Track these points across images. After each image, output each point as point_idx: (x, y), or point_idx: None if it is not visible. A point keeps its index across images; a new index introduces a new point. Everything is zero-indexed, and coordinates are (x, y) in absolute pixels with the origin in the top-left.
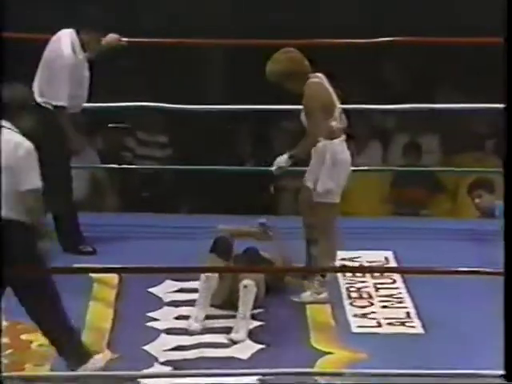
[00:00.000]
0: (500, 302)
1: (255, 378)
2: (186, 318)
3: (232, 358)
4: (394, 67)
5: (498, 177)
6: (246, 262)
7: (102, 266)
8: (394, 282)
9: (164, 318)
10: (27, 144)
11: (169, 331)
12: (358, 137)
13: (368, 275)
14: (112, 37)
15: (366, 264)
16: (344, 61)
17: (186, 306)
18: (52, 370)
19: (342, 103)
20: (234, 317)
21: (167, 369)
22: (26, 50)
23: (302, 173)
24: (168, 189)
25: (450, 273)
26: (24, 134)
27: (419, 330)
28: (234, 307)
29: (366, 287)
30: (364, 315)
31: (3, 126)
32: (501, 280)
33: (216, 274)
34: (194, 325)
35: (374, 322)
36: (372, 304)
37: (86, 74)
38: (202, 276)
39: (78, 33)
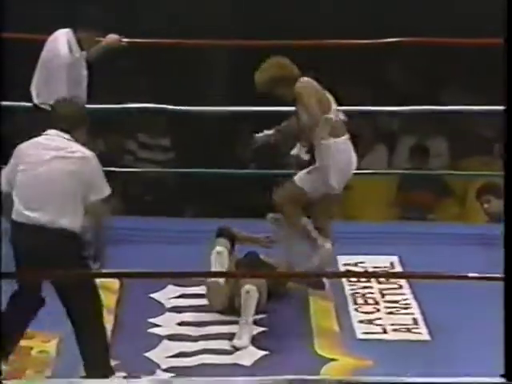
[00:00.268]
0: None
1: None
2: (189, 324)
3: (235, 364)
4: (400, 68)
5: None
6: (247, 267)
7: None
8: (400, 287)
9: (166, 324)
10: (92, 154)
11: (171, 337)
12: (363, 139)
13: (373, 280)
14: (112, 37)
15: (372, 269)
16: (347, 62)
17: (188, 311)
18: (52, 376)
19: (340, 105)
20: (236, 323)
21: (169, 376)
22: (26, 50)
23: None
24: (171, 192)
25: (457, 278)
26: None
27: (426, 336)
28: (236, 312)
29: (372, 293)
30: (369, 321)
31: (67, 139)
32: None
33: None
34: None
35: (379, 329)
36: (378, 310)
37: (84, 73)
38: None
39: (74, 32)
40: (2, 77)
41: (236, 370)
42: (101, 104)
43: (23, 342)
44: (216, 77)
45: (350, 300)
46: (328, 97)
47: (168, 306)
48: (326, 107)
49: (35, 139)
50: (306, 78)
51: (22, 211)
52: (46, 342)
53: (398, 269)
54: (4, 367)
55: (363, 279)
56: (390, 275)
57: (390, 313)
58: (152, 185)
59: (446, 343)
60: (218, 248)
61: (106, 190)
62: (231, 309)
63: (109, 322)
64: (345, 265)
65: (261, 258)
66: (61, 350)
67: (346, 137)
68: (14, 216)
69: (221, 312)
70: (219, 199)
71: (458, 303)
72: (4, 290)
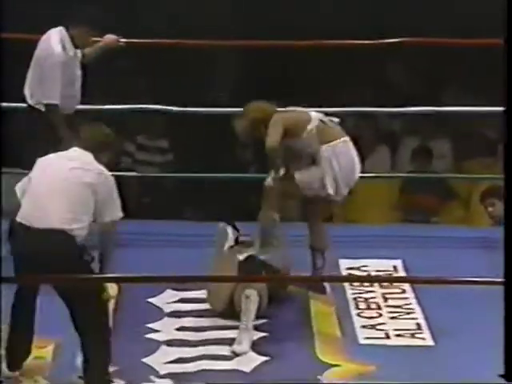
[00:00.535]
0: None
1: None
2: (187, 329)
3: (235, 370)
4: (402, 69)
5: None
6: (247, 271)
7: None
8: (404, 291)
9: (164, 330)
10: (111, 176)
11: (170, 343)
12: (364, 141)
13: (376, 285)
14: (110, 37)
15: (374, 273)
16: (348, 63)
17: (187, 316)
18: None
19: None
20: (236, 327)
21: (168, 382)
22: (26, 50)
23: None
24: (169, 195)
25: (461, 282)
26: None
27: (429, 342)
28: (235, 316)
29: (374, 297)
30: (372, 326)
31: (89, 157)
32: None
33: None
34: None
35: (382, 334)
36: (380, 315)
37: (78, 72)
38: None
39: (67, 29)
40: (2, 77)
41: (236, 375)
42: (98, 105)
43: None
44: (215, 78)
45: (352, 304)
46: (302, 116)
47: (167, 310)
48: (298, 129)
49: (58, 153)
50: (276, 115)
51: (30, 214)
52: (42, 347)
53: (401, 273)
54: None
55: (366, 283)
56: (392, 279)
57: (393, 317)
58: (150, 187)
59: (451, 348)
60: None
61: (119, 213)
62: (232, 312)
63: None
64: (347, 269)
65: (262, 260)
66: (57, 356)
67: (342, 139)
68: (18, 218)
69: (221, 315)
70: (218, 202)
71: (462, 307)
72: (4, 293)
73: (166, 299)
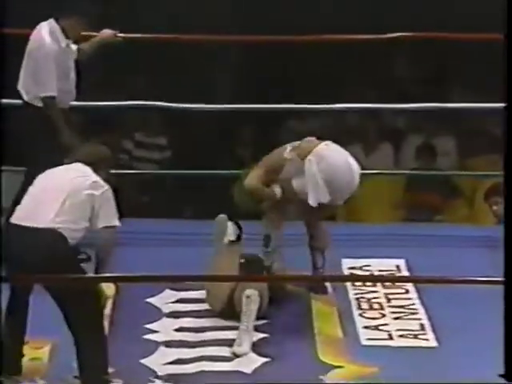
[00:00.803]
0: None
1: None
2: (187, 329)
3: (235, 372)
4: (406, 65)
5: None
6: (248, 270)
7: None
8: (407, 291)
9: (163, 330)
10: (108, 187)
11: (168, 344)
12: (368, 138)
13: (379, 285)
14: (107, 32)
15: (377, 273)
16: (352, 59)
17: (186, 317)
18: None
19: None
20: (236, 328)
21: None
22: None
23: None
24: (168, 193)
25: (466, 282)
26: None
27: (433, 343)
28: (236, 316)
29: (377, 297)
30: (375, 327)
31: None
32: None
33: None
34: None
35: (385, 335)
36: (383, 315)
37: (72, 64)
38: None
39: (57, 21)
40: (3, 77)
41: (236, 377)
42: (95, 101)
43: None
44: (215, 75)
45: (354, 305)
46: (276, 151)
47: (165, 311)
48: (278, 163)
49: (59, 167)
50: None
51: (23, 214)
52: (38, 348)
53: (405, 272)
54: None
55: (368, 283)
56: (395, 279)
57: (396, 318)
58: (148, 185)
59: (455, 350)
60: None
61: (115, 221)
62: (231, 312)
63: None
64: (349, 268)
65: (263, 260)
66: (54, 357)
67: (324, 143)
68: (13, 220)
69: (221, 315)
70: (218, 200)
71: (467, 307)
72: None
73: (165, 299)
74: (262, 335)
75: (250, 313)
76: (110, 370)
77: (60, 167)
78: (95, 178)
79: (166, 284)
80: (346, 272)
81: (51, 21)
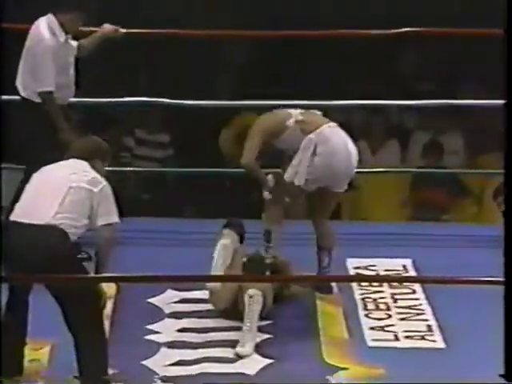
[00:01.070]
0: None
1: None
2: (189, 330)
3: (238, 373)
4: (413, 61)
5: None
6: (251, 270)
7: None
8: (414, 292)
9: (165, 331)
10: (106, 183)
11: (170, 345)
12: (374, 135)
13: (385, 285)
14: (108, 27)
15: (383, 273)
16: (358, 55)
17: (188, 317)
18: None
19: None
20: (239, 329)
21: None
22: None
23: None
24: (170, 191)
25: (474, 282)
26: None
27: (440, 344)
28: (239, 316)
29: (383, 298)
30: (381, 328)
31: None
32: None
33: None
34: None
35: (391, 336)
36: (389, 316)
37: (71, 59)
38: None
39: (55, 15)
40: (2, 73)
41: (239, 379)
42: (95, 98)
43: None
44: (217, 72)
45: (360, 305)
46: (280, 115)
47: (167, 311)
48: (278, 129)
49: (56, 163)
50: (254, 126)
51: (22, 211)
52: (37, 349)
53: (411, 272)
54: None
55: (374, 283)
56: (402, 279)
57: (403, 319)
58: (150, 183)
59: (463, 351)
60: (222, 241)
61: (115, 218)
62: (235, 312)
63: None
64: (355, 268)
65: (266, 259)
66: (53, 358)
67: (328, 125)
68: (12, 217)
69: (224, 316)
70: (220, 198)
71: (475, 308)
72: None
73: (167, 299)
74: (265, 336)
75: (253, 313)
76: (111, 371)
77: (56, 164)
78: (93, 173)
79: (167, 284)
80: (352, 272)
81: (50, 16)
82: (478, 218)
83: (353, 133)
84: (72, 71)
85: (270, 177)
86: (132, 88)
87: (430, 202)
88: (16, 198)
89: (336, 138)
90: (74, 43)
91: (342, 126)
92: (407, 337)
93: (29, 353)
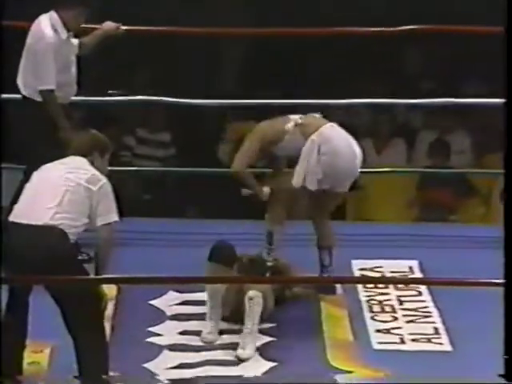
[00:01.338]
0: None
1: None
2: (191, 333)
3: (241, 376)
4: (419, 60)
5: None
6: (252, 271)
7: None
8: (420, 294)
9: (167, 333)
10: (106, 180)
11: (172, 347)
12: (380, 134)
13: (391, 287)
14: (109, 24)
15: (389, 274)
16: (363, 53)
17: (190, 319)
18: None
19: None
20: (241, 331)
21: None
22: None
23: None
24: (171, 191)
25: (481, 284)
26: None
27: (447, 347)
28: (241, 319)
29: (389, 300)
30: (387, 330)
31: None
32: None
33: (222, 286)
34: (208, 337)
35: (397, 338)
36: (395, 318)
37: (73, 58)
38: (207, 287)
39: (58, 13)
40: (2, 71)
41: (242, 382)
42: (97, 96)
43: None
44: (219, 70)
45: (365, 307)
46: (279, 120)
47: (169, 313)
48: (278, 134)
49: (55, 161)
50: (253, 131)
51: (21, 212)
52: (37, 352)
53: (418, 274)
54: None
55: (380, 285)
56: (408, 281)
57: (409, 321)
58: (151, 183)
59: (470, 354)
60: (209, 286)
61: (114, 217)
62: (238, 314)
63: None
64: (360, 270)
65: (266, 261)
66: (53, 361)
67: (329, 124)
68: (11, 217)
69: (226, 319)
70: (222, 199)
71: (482, 310)
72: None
73: (169, 301)
74: (268, 339)
75: (254, 315)
76: (112, 373)
77: (55, 162)
78: (92, 171)
79: (169, 286)
80: (357, 273)
81: (52, 13)
82: (486, 219)
83: (358, 132)
84: (74, 69)
85: (265, 189)
86: (133, 86)
87: (437, 203)
88: (16, 198)
89: (338, 137)
90: (76, 41)
91: (347, 125)
92: (413, 339)
93: (29, 355)
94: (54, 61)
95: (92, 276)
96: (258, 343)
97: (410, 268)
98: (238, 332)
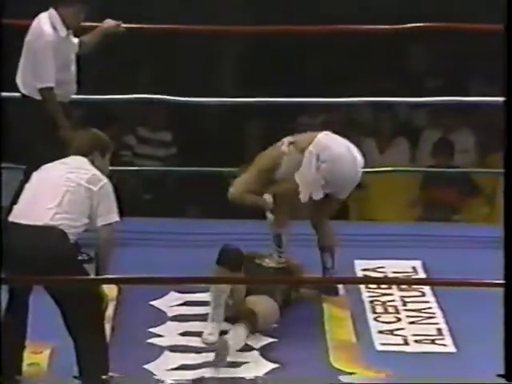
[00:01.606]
0: None
1: None
2: (192, 334)
3: (242, 378)
4: (423, 58)
5: None
6: (252, 272)
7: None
8: (423, 294)
9: (168, 334)
10: (107, 180)
11: (173, 348)
12: (383, 133)
13: (394, 287)
14: (110, 22)
15: (392, 275)
16: (365, 50)
17: (192, 320)
18: None
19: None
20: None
21: None
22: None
23: None
24: (172, 191)
25: (485, 285)
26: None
27: (451, 348)
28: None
29: (392, 301)
30: (390, 332)
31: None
32: None
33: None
34: (209, 338)
35: (400, 340)
36: (399, 319)
37: (73, 56)
38: (212, 288)
39: (57, 11)
40: (2, 70)
41: (244, 383)
42: (97, 95)
43: None
44: (221, 68)
45: (368, 308)
46: (274, 147)
47: (170, 314)
48: (275, 160)
49: (55, 161)
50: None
51: (21, 212)
52: (37, 353)
53: (421, 274)
54: None
55: (383, 286)
56: (411, 281)
57: (412, 322)
58: (151, 183)
59: (474, 355)
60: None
61: (115, 217)
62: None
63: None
64: (363, 270)
65: (278, 262)
66: (53, 362)
67: (324, 133)
68: (11, 218)
69: (231, 319)
70: (224, 198)
71: (486, 311)
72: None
73: (170, 302)
74: (270, 340)
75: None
76: (112, 374)
77: (55, 162)
78: (93, 171)
79: (170, 286)
80: (360, 274)
81: (51, 10)
82: (490, 219)
83: (361, 131)
84: (73, 68)
85: (267, 196)
86: (134, 85)
87: (441, 202)
88: (16, 198)
89: (336, 144)
90: (76, 40)
91: (350, 124)
92: (417, 341)
93: (29, 356)
94: (54, 59)
95: (92, 276)
96: (260, 344)
97: (414, 268)
98: None
